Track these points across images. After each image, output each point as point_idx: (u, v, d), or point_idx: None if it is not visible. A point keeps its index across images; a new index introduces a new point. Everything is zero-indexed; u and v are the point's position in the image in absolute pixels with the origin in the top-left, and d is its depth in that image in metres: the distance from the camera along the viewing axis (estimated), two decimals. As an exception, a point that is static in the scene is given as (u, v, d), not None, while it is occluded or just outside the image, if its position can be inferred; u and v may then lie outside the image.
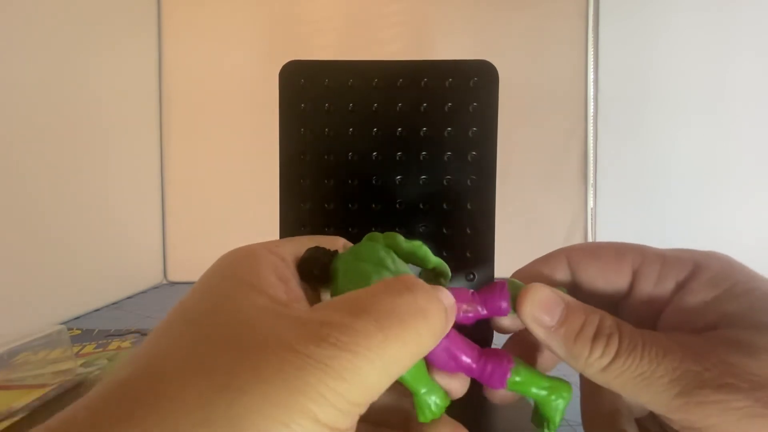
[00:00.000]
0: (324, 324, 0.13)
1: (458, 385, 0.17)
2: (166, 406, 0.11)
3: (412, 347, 0.13)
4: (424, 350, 0.14)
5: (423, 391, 0.16)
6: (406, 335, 0.13)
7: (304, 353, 0.12)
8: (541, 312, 0.16)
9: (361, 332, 0.13)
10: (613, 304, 0.19)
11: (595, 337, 0.15)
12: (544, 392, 0.16)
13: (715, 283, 0.16)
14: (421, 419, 0.16)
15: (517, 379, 0.16)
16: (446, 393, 0.17)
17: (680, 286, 0.17)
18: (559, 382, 0.17)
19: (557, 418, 0.16)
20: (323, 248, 0.18)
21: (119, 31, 1.18)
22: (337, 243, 0.19)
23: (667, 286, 0.17)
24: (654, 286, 0.18)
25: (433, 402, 0.16)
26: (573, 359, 0.16)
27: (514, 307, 0.17)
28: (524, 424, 0.36)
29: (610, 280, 0.19)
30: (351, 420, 0.12)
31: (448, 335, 0.16)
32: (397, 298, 0.14)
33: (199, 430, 0.10)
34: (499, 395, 0.18)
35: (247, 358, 0.12)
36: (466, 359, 0.16)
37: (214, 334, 0.13)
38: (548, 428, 0.17)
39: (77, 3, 1.02)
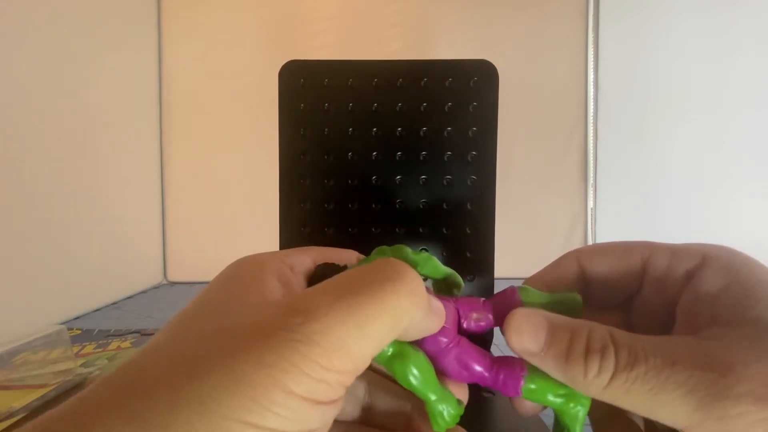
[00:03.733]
0: (299, 298, 0.13)
1: (463, 394, 0.17)
2: (136, 401, 0.11)
3: (390, 305, 0.13)
4: (405, 313, 0.13)
5: (434, 398, 0.15)
6: (382, 293, 0.13)
7: (277, 328, 0.12)
8: (526, 340, 0.15)
9: (332, 294, 0.13)
10: (627, 300, 0.19)
11: (587, 353, 0.14)
12: (560, 400, 0.16)
13: (727, 272, 0.16)
14: (435, 429, 0.16)
15: (532, 386, 0.16)
16: (459, 401, 0.16)
17: (690, 275, 0.17)
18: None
19: (577, 428, 0.16)
20: (333, 264, 0.18)
21: (119, 32, 1.18)
22: (350, 256, 0.20)
23: (678, 275, 0.17)
24: (664, 276, 0.18)
25: (445, 410, 0.15)
26: (571, 382, 0.15)
27: None
28: (524, 425, 0.36)
29: (621, 274, 0.19)
30: (332, 391, 0.12)
31: (459, 344, 0.16)
32: (370, 269, 0.14)
33: (167, 413, 0.10)
34: (526, 407, 0.17)
35: (220, 343, 0.12)
36: (478, 368, 0.16)
37: (197, 330, 0.13)
38: None
39: (77, 4, 1.02)
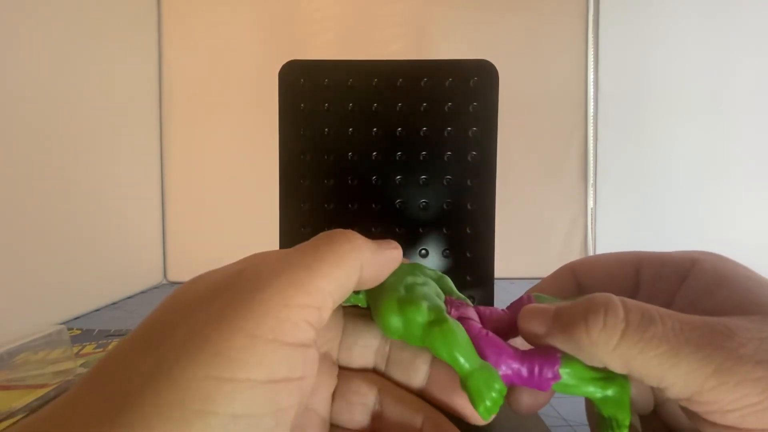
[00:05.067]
0: (250, 259, 0.14)
1: None
2: (109, 385, 0.11)
3: (332, 248, 0.14)
4: (348, 252, 0.14)
5: (474, 367, 0.14)
6: (323, 243, 0.14)
7: (234, 285, 0.13)
8: (533, 324, 0.15)
9: (280, 253, 0.14)
10: None
11: (588, 311, 0.14)
12: (599, 386, 0.15)
13: (718, 270, 0.16)
14: (480, 410, 0.14)
15: (568, 370, 0.15)
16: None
17: (683, 278, 0.17)
18: (614, 374, 0.15)
19: (623, 416, 0.14)
20: None
21: (119, 31, 1.18)
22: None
23: (670, 278, 0.17)
24: (656, 281, 0.18)
25: (489, 384, 0.14)
26: (578, 348, 0.14)
27: None
28: (524, 425, 0.36)
29: (615, 283, 0.19)
30: (297, 330, 0.12)
31: (488, 338, 0.16)
32: (312, 239, 0.15)
33: (137, 395, 0.11)
34: (526, 403, 0.16)
35: (182, 315, 0.13)
36: (511, 362, 0.15)
37: (163, 311, 0.14)
38: (618, 429, 0.14)
39: (78, 3, 1.03)
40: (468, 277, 0.45)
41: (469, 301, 0.18)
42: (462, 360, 0.14)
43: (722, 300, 0.15)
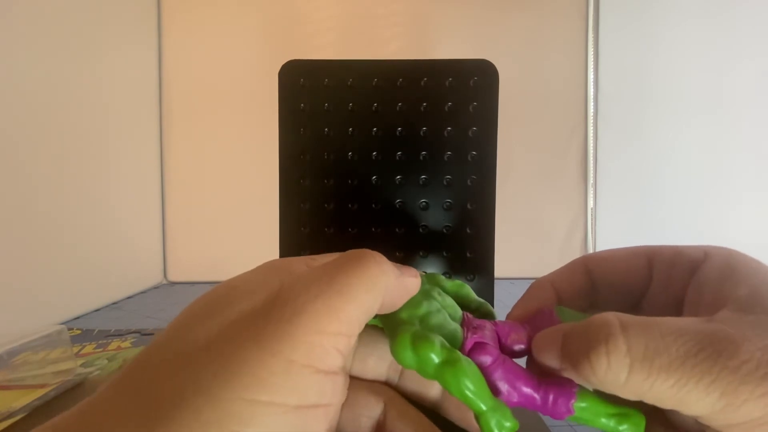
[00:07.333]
0: (283, 284, 0.14)
1: None
2: (142, 401, 0.11)
3: (360, 272, 0.14)
4: (375, 277, 0.14)
5: (485, 408, 0.14)
6: (352, 267, 0.14)
7: (270, 309, 0.13)
8: (546, 357, 0.15)
9: (311, 276, 0.14)
10: (635, 303, 0.19)
11: (590, 347, 0.14)
12: (613, 420, 0.15)
13: (729, 264, 0.16)
14: None
15: (583, 404, 0.15)
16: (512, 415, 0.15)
17: (694, 270, 0.17)
18: (630, 410, 0.15)
19: None
20: None
21: (119, 31, 1.18)
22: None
23: (682, 271, 0.17)
24: (669, 273, 0.18)
25: (501, 422, 0.14)
26: (589, 383, 0.14)
27: None
28: (524, 425, 0.36)
29: (629, 277, 0.19)
30: (328, 357, 0.13)
31: (504, 363, 0.16)
32: (340, 256, 0.15)
33: (174, 410, 0.11)
34: None
35: (218, 333, 0.13)
36: (527, 390, 0.15)
37: (196, 325, 0.14)
38: None
39: (78, 3, 1.02)
40: (468, 277, 0.45)
41: (491, 308, 0.18)
42: (473, 399, 0.14)
43: (728, 296, 0.15)
